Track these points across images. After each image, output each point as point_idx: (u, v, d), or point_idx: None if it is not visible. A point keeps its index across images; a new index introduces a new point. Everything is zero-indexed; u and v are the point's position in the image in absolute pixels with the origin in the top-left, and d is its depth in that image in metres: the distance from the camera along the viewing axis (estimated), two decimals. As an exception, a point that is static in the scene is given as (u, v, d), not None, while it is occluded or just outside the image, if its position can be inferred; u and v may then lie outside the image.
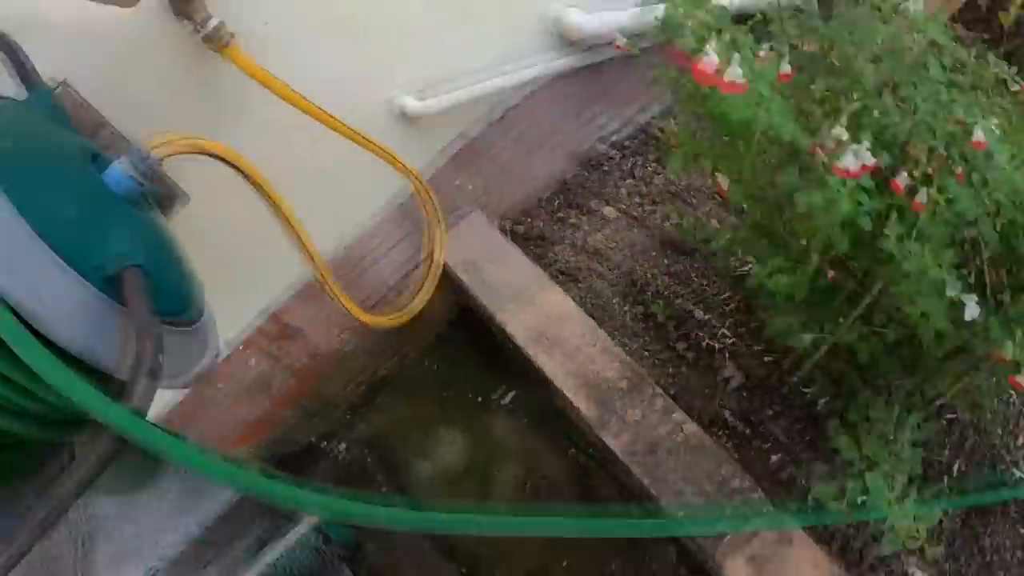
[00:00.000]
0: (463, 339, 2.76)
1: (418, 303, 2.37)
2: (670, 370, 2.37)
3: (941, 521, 2.17)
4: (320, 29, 1.99)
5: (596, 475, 2.48)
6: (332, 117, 1.94)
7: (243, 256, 2.11)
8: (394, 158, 2.16)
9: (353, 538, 2.51)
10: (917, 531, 1.56)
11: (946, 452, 2.21)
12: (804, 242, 1.70)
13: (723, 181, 1.77)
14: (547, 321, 2.32)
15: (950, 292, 1.37)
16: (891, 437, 1.83)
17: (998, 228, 1.42)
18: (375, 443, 2.71)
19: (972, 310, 1.38)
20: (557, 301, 2.36)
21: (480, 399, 2.66)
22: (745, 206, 1.83)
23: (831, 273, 1.67)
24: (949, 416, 2.27)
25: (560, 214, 2.69)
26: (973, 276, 1.49)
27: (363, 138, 2.04)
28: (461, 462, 2.61)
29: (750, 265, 2.44)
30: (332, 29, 2.01)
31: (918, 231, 1.40)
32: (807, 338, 1.81)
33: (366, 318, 2.27)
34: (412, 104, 2.22)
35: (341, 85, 2.04)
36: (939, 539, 2.14)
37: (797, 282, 1.70)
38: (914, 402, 2.00)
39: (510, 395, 2.66)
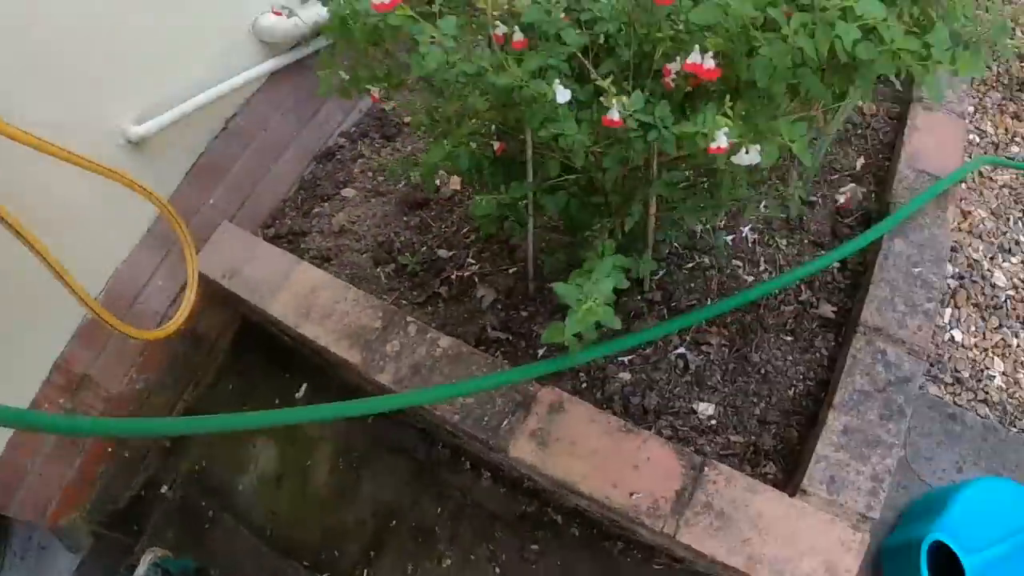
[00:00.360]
0: (250, 351, 2.88)
1: (182, 312, 2.46)
2: (430, 309, 2.54)
3: (709, 354, 2.34)
4: (28, 61, 2.02)
5: (398, 429, 2.59)
6: (62, 149, 1.98)
7: (17, 313, 2.20)
8: (131, 182, 2.21)
9: (191, 567, 2.54)
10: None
11: (699, 296, 2.42)
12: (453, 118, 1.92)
13: (375, 92, 1.98)
14: (306, 296, 2.46)
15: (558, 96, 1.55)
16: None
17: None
18: (197, 477, 2.75)
19: (563, 94, 1.56)
20: (311, 277, 2.51)
21: (281, 400, 2.76)
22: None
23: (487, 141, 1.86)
24: (691, 264, 2.48)
25: (307, 208, 2.87)
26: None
27: (97, 165, 2.09)
28: (280, 464, 2.69)
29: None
30: (39, 62, 2.05)
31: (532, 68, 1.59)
32: (495, 205, 2.00)
33: (141, 334, 2.34)
34: (135, 129, 2.33)
35: (66, 120, 2.11)
36: (711, 370, 2.31)
37: (469, 152, 1.90)
38: (636, 248, 2.17)
39: (305, 388, 2.77)
